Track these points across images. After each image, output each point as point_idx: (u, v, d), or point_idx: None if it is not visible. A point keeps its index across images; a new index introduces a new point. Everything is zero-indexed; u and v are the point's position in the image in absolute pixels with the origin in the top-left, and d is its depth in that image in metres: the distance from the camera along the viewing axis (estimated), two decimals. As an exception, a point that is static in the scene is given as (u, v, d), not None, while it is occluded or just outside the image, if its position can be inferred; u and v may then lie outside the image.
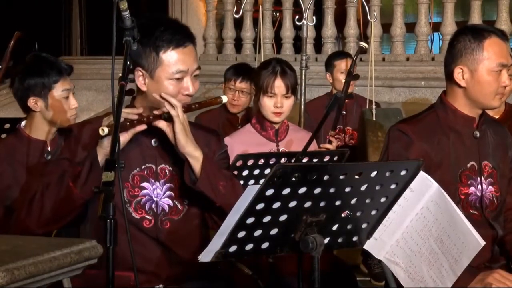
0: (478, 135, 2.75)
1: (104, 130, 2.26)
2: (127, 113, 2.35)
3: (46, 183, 2.38)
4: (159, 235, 2.46)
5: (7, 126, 3.57)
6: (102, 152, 2.31)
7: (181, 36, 2.41)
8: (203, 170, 2.38)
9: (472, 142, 2.75)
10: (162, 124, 2.37)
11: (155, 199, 2.47)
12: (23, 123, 3.25)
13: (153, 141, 2.49)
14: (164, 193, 2.48)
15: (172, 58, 2.38)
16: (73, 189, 2.32)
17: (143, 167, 2.47)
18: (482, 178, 2.74)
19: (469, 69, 2.68)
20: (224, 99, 2.52)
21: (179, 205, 2.49)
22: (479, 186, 2.73)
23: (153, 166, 2.48)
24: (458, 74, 2.70)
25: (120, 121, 2.17)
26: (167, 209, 2.48)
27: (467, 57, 2.68)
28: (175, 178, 2.49)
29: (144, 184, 2.47)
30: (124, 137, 2.31)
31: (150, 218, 2.46)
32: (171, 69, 2.38)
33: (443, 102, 2.77)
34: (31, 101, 3.17)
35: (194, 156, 2.38)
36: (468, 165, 2.73)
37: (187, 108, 2.41)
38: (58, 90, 3.18)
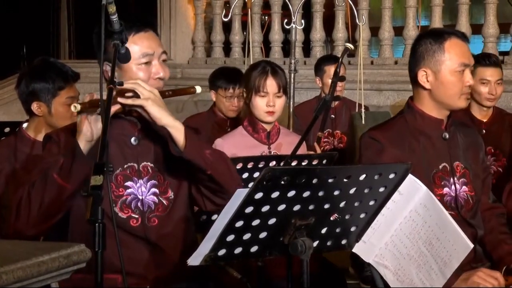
0: (447, 136, 2.80)
1: (76, 107, 2.24)
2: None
3: (31, 184, 2.37)
4: (147, 233, 2.46)
5: (7, 129, 3.56)
6: (83, 138, 2.30)
7: (141, 22, 2.44)
8: (187, 138, 2.34)
9: (442, 143, 2.79)
10: (132, 101, 2.31)
11: (140, 197, 2.47)
12: (25, 124, 3.25)
13: (132, 139, 2.49)
14: (148, 190, 2.48)
15: (136, 44, 2.40)
16: (57, 180, 2.31)
17: (125, 166, 2.47)
18: (455, 179, 2.78)
19: (432, 70, 2.74)
20: (198, 89, 2.48)
21: (164, 201, 2.49)
22: (453, 187, 2.77)
23: (135, 165, 2.48)
24: (422, 76, 2.76)
25: (96, 105, 2.16)
26: (153, 206, 2.48)
27: (429, 59, 2.74)
28: (158, 175, 2.49)
29: (128, 183, 2.47)
30: (100, 121, 2.27)
31: (136, 216, 2.46)
32: (136, 54, 2.40)
33: (410, 107, 2.84)
34: (35, 106, 3.16)
35: (174, 126, 2.34)
36: (440, 167, 2.77)
37: (160, 95, 2.38)
38: (63, 97, 3.18)
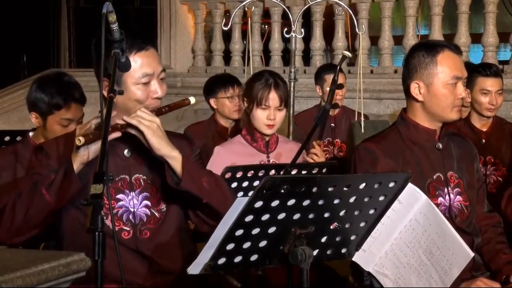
0: (440, 146, 2.81)
1: (80, 140, 2.25)
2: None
3: (18, 193, 2.37)
4: (138, 246, 2.46)
5: (7, 138, 3.56)
6: (78, 160, 2.31)
7: (142, 39, 2.41)
8: (185, 169, 2.35)
9: (435, 154, 2.80)
10: (134, 131, 2.34)
11: (132, 209, 2.47)
12: (31, 133, 3.24)
13: (125, 151, 2.49)
14: (140, 203, 2.48)
15: (137, 63, 2.37)
16: (45, 196, 2.31)
17: (117, 178, 2.45)
18: (449, 188, 2.79)
19: (424, 83, 2.75)
20: (192, 100, 2.48)
21: (156, 214, 2.49)
22: (447, 197, 2.78)
23: (127, 177, 2.48)
24: (415, 89, 2.77)
25: (95, 129, 2.19)
26: (145, 218, 2.48)
27: (422, 71, 2.75)
28: (150, 187, 2.49)
29: (120, 196, 2.46)
30: (98, 145, 2.29)
31: (128, 229, 2.46)
32: (136, 73, 2.38)
33: (404, 119, 2.85)
34: (32, 115, 3.16)
35: (172, 156, 2.35)
36: (435, 177, 2.78)
37: (157, 112, 2.39)
38: (57, 117, 3.13)
